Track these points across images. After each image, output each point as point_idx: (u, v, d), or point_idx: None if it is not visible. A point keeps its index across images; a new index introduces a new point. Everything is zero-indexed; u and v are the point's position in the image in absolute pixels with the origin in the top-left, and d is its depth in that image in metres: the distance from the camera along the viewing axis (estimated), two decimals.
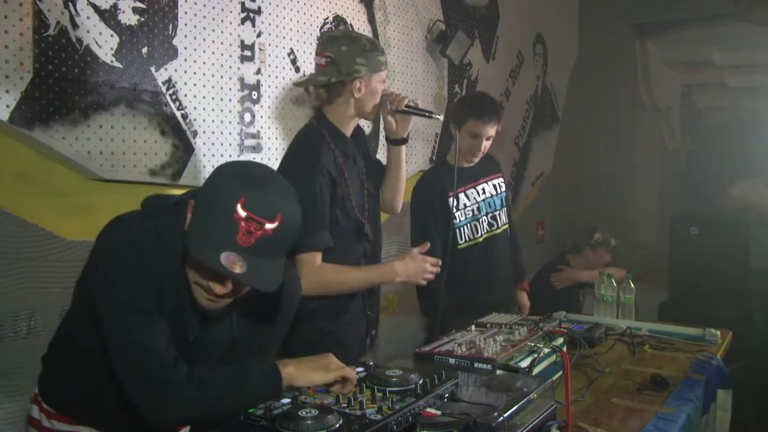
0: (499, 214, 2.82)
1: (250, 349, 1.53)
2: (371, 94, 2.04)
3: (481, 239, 2.75)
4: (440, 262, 2.11)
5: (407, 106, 2.07)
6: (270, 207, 1.21)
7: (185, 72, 2.27)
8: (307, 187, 1.88)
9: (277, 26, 2.60)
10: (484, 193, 2.77)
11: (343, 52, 1.97)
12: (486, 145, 2.64)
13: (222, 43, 2.39)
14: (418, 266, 2.05)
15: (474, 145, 2.61)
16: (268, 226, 1.20)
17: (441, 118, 2.21)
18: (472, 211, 2.73)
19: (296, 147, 2.08)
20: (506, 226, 2.86)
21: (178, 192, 1.68)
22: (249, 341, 1.52)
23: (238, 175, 1.26)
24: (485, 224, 2.76)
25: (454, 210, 2.65)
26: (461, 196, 2.69)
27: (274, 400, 1.31)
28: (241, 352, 1.50)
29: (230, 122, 2.44)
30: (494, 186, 2.81)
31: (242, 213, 1.18)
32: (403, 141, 2.15)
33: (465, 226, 2.71)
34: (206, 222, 1.22)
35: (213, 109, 2.37)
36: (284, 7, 2.63)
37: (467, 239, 2.71)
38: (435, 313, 2.59)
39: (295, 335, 1.90)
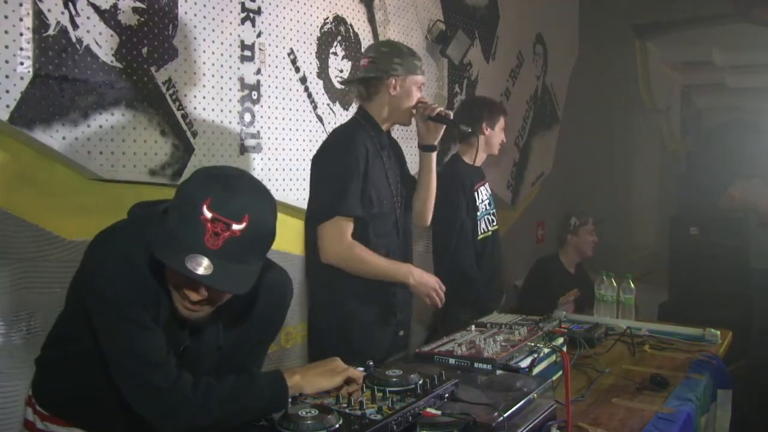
0: (494, 213, 3.05)
1: (242, 354, 1.53)
2: (406, 95, 2.16)
3: (489, 233, 2.96)
4: (444, 288, 2.19)
5: (438, 114, 2.17)
6: (237, 208, 1.18)
7: (185, 72, 2.27)
8: (344, 157, 2.06)
9: (277, 26, 2.60)
10: (488, 191, 3.01)
11: (382, 52, 2.18)
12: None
13: (222, 43, 2.39)
14: (431, 282, 2.17)
15: (503, 137, 2.99)
16: (235, 227, 1.17)
17: (469, 130, 2.42)
18: (485, 206, 2.95)
19: (335, 131, 2.25)
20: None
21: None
22: (240, 348, 1.51)
23: (207, 177, 1.23)
24: (490, 219, 3.00)
25: (478, 202, 2.89)
26: (478, 191, 2.92)
27: (281, 409, 1.29)
28: (233, 359, 1.50)
29: (230, 122, 2.44)
30: (488, 186, 3.07)
31: (208, 214, 1.15)
32: (433, 148, 2.25)
33: (483, 219, 2.92)
34: (174, 225, 1.19)
35: (213, 109, 2.37)
36: (284, 7, 2.63)
37: (483, 231, 2.92)
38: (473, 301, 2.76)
39: (322, 317, 2.17)
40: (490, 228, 2.96)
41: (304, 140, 2.72)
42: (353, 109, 2.95)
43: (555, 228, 4.27)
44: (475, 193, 2.88)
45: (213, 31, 2.36)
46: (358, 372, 1.41)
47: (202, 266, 1.15)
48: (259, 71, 2.53)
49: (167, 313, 1.33)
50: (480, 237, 2.89)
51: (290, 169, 2.67)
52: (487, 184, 3.02)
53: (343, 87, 2.87)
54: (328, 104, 2.85)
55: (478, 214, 2.87)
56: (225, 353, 1.49)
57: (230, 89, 2.43)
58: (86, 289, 1.32)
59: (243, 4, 2.46)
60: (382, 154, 2.17)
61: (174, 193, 1.27)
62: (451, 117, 2.25)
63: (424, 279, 2.17)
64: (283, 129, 2.64)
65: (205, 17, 2.33)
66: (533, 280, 3.94)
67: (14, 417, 1.89)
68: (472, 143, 2.90)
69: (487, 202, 2.97)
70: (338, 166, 2.07)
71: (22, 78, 1.85)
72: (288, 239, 2.70)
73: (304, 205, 2.66)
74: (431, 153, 2.26)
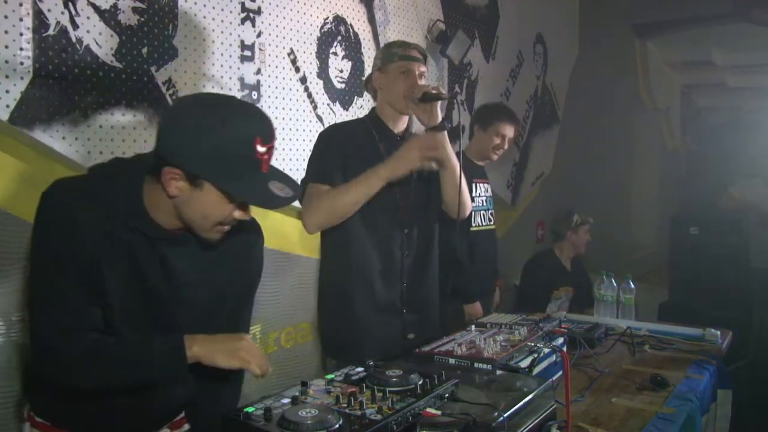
0: (493, 213, 3.09)
1: (211, 295, 1.48)
2: (390, 84, 2.13)
3: (483, 227, 3.01)
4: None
5: (424, 94, 2.05)
6: (272, 130, 1.30)
7: (185, 72, 2.27)
8: (318, 142, 2.14)
9: (277, 26, 2.60)
10: (487, 191, 3.06)
11: (375, 55, 2.27)
12: (507, 145, 3.02)
13: (222, 43, 2.39)
14: (412, 146, 1.99)
15: (498, 144, 2.97)
16: (275, 146, 1.31)
17: (458, 94, 2.33)
18: (482, 200, 3.01)
19: None
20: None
21: None
22: (208, 287, 1.46)
23: (244, 116, 1.28)
24: (486, 215, 3.04)
25: (474, 194, 2.92)
26: (476, 185, 2.97)
27: (177, 375, 1.33)
28: (202, 303, 1.46)
29: None
30: (489, 188, 3.11)
31: (262, 149, 1.25)
32: (437, 129, 2.09)
33: (478, 212, 2.97)
34: (235, 178, 1.25)
35: None
36: (284, 8, 2.63)
37: (477, 224, 2.97)
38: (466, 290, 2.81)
39: (325, 315, 2.22)
40: (483, 223, 3.00)
41: (304, 140, 2.72)
42: (353, 109, 2.96)
43: (551, 222, 4.27)
44: (472, 185, 2.91)
45: (213, 31, 2.36)
46: (258, 368, 1.34)
47: (281, 190, 1.29)
48: (259, 71, 2.53)
49: (120, 254, 1.33)
50: (473, 228, 2.93)
51: (290, 169, 2.67)
52: (487, 185, 3.06)
53: (343, 86, 2.88)
54: (328, 104, 2.85)
55: (475, 206, 2.90)
56: (192, 292, 1.43)
57: (230, 89, 2.43)
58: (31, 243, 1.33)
59: (243, 4, 2.46)
60: (380, 147, 2.12)
61: (192, 151, 1.24)
62: (441, 91, 2.10)
63: (401, 153, 1.98)
64: (283, 129, 2.64)
65: (205, 17, 2.33)
66: (530, 274, 3.95)
67: (14, 417, 1.89)
68: (475, 139, 3.02)
69: (484, 198, 3.02)
70: (314, 148, 2.15)
71: (22, 78, 1.85)
72: (288, 239, 2.70)
73: None
74: (438, 134, 2.11)
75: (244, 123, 1.25)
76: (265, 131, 1.27)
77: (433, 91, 2.06)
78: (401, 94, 2.11)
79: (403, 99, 2.11)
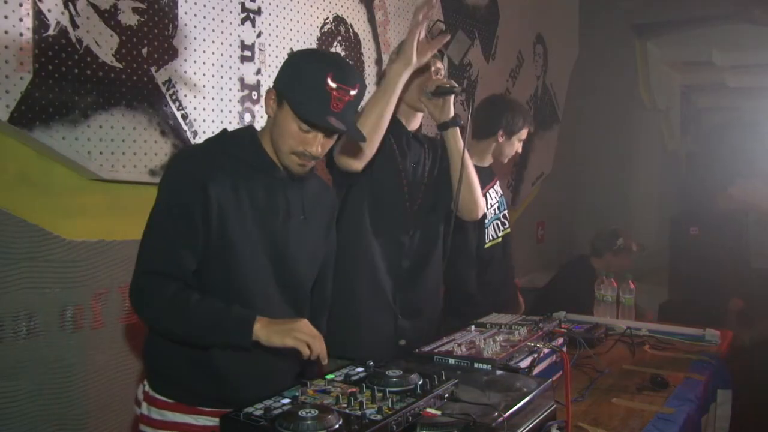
0: (506, 214, 2.84)
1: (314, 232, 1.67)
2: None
3: (499, 239, 2.76)
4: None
5: (439, 87, 1.99)
6: (351, 78, 1.49)
7: (185, 72, 2.27)
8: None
9: (277, 26, 2.60)
10: (497, 193, 2.80)
11: None
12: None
13: (222, 43, 2.39)
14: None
15: (518, 148, 2.73)
16: (352, 92, 1.48)
17: (460, 90, 2.07)
18: (494, 211, 2.73)
19: None
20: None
21: None
22: (311, 224, 1.66)
23: (317, 57, 1.53)
24: (500, 223, 2.79)
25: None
26: (487, 195, 2.68)
27: (240, 347, 1.41)
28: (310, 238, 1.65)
29: (230, 122, 2.44)
30: (500, 187, 2.85)
31: (333, 85, 1.45)
32: (446, 125, 2.03)
33: (490, 226, 2.71)
34: (304, 96, 1.46)
35: (213, 109, 2.37)
36: (284, 8, 2.63)
37: (492, 238, 2.71)
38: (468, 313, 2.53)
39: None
40: (499, 234, 2.75)
41: None
42: None
43: (594, 235, 3.90)
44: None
45: (213, 31, 2.36)
46: (308, 350, 1.40)
47: (341, 122, 1.47)
48: (259, 71, 2.53)
49: (248, 195, 1.51)
50: (487, 245, 2.67)
51: None
52: (497, 185, 2.79)
53: None
54: None
55: (485, 221, 2.65)
56: (302, 231, 1.61)
57: (230, 89, 2.43)
58: None
59: (243, 4, 2.46)
60: (392, 142, 2.04)
61: (284, 77, 1.51)
62: (454, 84, 2.01)
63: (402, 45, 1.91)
64: None
65: (205, 17, 2.33)
66: (560, 281, 3.81)
67: (14, 417, 1.89)
68: (490, 142, 2.66)
69: (496, 206, 2.75)
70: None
71: (22, 78, 1.85)
72: None
73: None
74: (449, 130, 2.04)
75: (324, 63, 1.49)
76: (340, 73, 1.46)
77: (447, 86, 1.99)
78: (415, 89, 2.02)
79: (416, 94, 2.03)
